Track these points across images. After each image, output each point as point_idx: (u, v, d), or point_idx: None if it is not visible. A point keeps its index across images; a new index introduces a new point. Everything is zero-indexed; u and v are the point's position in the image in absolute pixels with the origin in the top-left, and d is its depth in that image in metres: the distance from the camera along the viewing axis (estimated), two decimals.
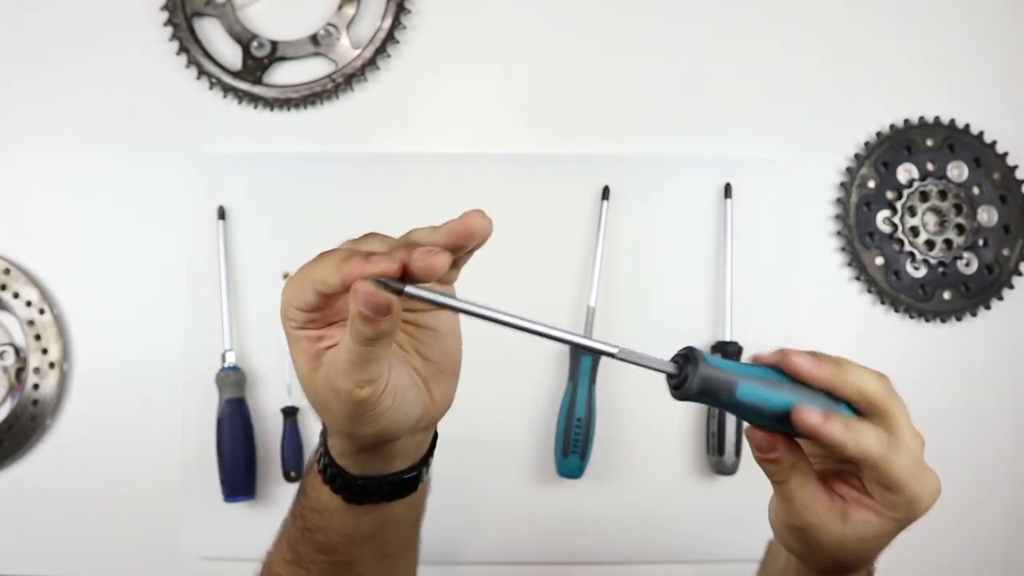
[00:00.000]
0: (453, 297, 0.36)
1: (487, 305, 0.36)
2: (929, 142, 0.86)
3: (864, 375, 0.39)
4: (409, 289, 0.35)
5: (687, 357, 0.39)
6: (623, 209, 0.83)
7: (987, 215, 0.85)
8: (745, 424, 0.41)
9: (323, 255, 0.37)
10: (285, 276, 0.80)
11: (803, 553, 0.43)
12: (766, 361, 0.40)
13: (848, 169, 0.85)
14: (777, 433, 0.40)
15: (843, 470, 0.42)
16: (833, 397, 0.39)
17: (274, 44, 0.85)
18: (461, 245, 0.37)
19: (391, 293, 0.35)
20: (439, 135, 0.86)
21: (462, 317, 0.39)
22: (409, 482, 0.45)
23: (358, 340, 0.36)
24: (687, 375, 0.39)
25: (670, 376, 0.39)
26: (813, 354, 0.39)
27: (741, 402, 0.39)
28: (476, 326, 0.37)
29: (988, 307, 0.85)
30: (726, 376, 0.38)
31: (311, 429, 0.81)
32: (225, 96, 0.85)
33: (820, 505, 0.41)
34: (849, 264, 0.85)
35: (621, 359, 0.38)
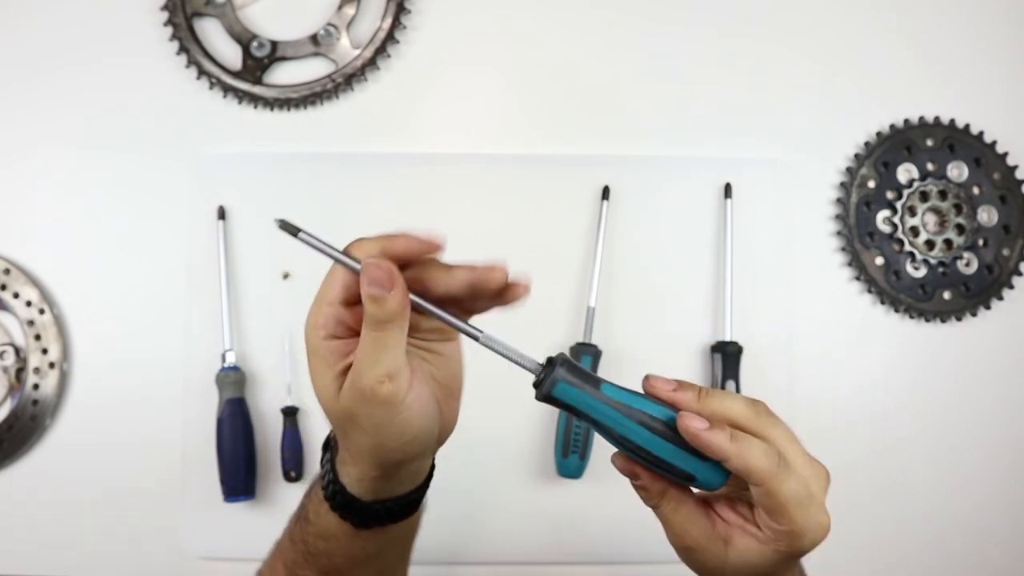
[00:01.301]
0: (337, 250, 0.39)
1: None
2: (929, 142, 0.86)
3: (729, 400, 0.39)
4: (303, 233, 0.39)
5: (552, 364, 0.40)
6: (623, 209, 0.83)
7: (987, 215, 0.85)
8: (613, 450, 0.41)
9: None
10: (285, 276, 0.80)
11: (696, 572, 0.43)
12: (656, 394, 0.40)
13: (848, 169, 0.85)
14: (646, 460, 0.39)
15: (732, 495, 0.42)
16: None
17: (274, 44, 0.85)
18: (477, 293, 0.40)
19: (289, 232, 0.39)
20: (439, 135, 0.86)
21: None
22: (415, 503, 0.46)
23: (370, 323, 0.38)
24: (545, 381, 0.39)
25: (535, 375, 0.40)
26: (679, 382, 0.39)
27: (600, 423, 0.39)
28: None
29: (988, 307, 0.85)
30: (580, 399, 0.39)
31: (311, 429, 0.81)
32: (225, 96, 0.85)
33: (698, 529, 0.40)
34: (849, 264, 0.85)
35: (485, 344, 0.39)
